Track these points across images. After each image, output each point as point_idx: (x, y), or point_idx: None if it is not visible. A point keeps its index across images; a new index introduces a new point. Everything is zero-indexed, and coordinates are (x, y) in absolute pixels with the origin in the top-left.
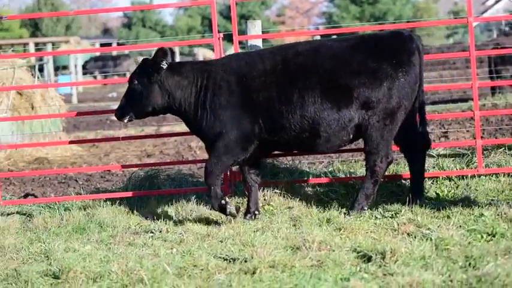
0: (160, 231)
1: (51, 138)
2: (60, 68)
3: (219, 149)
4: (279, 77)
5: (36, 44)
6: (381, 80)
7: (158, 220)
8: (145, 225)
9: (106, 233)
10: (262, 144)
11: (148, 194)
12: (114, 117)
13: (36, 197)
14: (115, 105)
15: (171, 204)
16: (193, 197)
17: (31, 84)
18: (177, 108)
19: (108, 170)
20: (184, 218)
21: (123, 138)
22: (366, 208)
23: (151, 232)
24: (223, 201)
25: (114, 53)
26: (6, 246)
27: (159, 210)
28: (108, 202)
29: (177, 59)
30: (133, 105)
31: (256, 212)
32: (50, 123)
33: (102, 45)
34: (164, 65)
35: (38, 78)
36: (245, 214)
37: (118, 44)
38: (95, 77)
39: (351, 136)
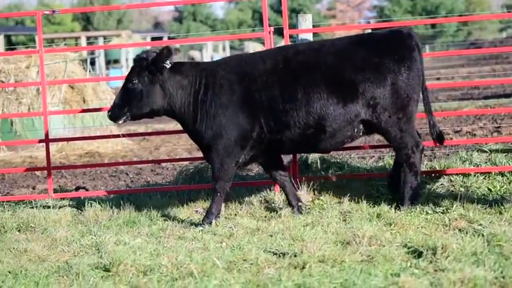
0: (210, 225)
1: (102, 131)
2: (111, 62)
3: (220, 152)
4: (281, 75)
5: (88, 38)
6: (384, 75)
7: None
8: (196, 219)
9: (156, 226)
10: (265, 144)
11: (198, 187)
12: None
13: (87, 190)
14: None
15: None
16: (243, 190)
17: (83, 77)
18: (176, 109)
19: (159, 164)
20: (234, 212)
21: (123, 135)
22: (415, 202)
23: (201, 226)
24: (218, 215)
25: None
26: (57, 238)
27: (209, 204)
28: (158, 195)
29: (228, 53)
30: (131, 106)
31: (300, 204)
32: (101, 117)
33: (153, 39)
34: (168, 65)
35: (89, 71)
36: (291, 210)
37: (169, 38)
38: None
39: (355, 132)
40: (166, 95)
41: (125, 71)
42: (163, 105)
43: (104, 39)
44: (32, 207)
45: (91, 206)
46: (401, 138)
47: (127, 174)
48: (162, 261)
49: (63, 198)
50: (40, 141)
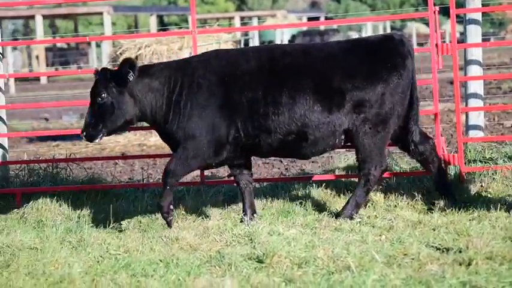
0: (369, 217)
1: None
2: (265, 43)
3: (187, 151)
4: (266, 78)
5: (242, 18)
6: (375, 84)
7: (366, 205)
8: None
9: (311, 216)
10: (240, 148)
11: (355, 177)
12: None
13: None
14: None
15: (381, 189)
16: (403, 181)
17: None
18: (148, 112)
19: None
20: (394, 204)
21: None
22: (354, 216)
23: (359, 217)
24: (171, 207)
25: (322, 27)
26: (209, 227)
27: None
28: (314, 185)
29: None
30: (105, 121)
31: (254, 215)
32: None
33: (309, 19)
34: (131, 77)
35: None
36: (243, 217)
37: (326, 18)
38: None
39: (337, 141)
40: (137, 101)
41: None
42: (136, 113)
43: (258, 19)
44: (184, 194)
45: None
46: (371, 152)
47: (281, 161)
48: (317, 254)
49: (216, 185)
50: None
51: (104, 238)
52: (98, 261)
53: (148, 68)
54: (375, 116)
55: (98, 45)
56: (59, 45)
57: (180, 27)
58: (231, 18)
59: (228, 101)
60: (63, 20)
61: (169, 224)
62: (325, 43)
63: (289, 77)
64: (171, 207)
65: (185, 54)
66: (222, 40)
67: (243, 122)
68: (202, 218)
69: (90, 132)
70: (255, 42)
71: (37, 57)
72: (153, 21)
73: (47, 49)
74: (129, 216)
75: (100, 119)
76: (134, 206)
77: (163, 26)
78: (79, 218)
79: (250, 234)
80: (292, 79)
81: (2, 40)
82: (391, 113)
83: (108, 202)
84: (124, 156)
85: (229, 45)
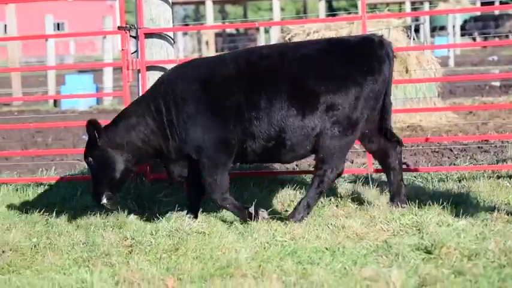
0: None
1: (426, 104)
2: (437, 29)
3: (206, 165)
4: (245, 82)
5: (413, 3)
6: (349, 87)
7: None
8: None
9: (482, 207)
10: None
11: None
12: (494, 83)
13: (408, 166)
14: (495, 70)
15: None
16: None
17: (406, 45)
18: (143, 147)
19: (486, 140)
20: None
21: (446, 109)
22: (305, 218)
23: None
24: (249, 210)
25: (497, 12)
26: (376, 216)
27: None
28: (485, 174)
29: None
30: (103, 182)
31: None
32: (424, 88)
33: (483, 4)
34: (99, 140)
35: (413, 39)
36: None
37: (500, 3)
38: (474, 39)
39: (312, 146)
40: (123, 149)
41: (451, 40)
42: (128, 159)
43: (430, 4)
44: (350, 182)
45: (411, 183)
46: (332, 154)
47: (451, 150)
48: (488, 246)
49: (382, 174)
50: None
51: (270, 224)
52: (264, 248)
53: (119, 115)
54: (346, 120)
55: (267, 31)
56: (228, 30)
57: (349, 13)
58: (401, 3)
59: (217, 106)
60: (232, 6)
61: (266, 218)
62: (302, 43)
63: (267, 80)
64: (249, 210)
65: None
66: (392, 26)
67: (233, 125)
68: (368, 206)
69: (95, 197)
70: (425, 27)
71: (207, 42)
72: (322, 6)
73: (217, 34)
74: (295, 203)
75: (99, 183)
76: (301, 193)
77: (332, 11)
78: (245, 203)
79: (418, 225)
80: (269, 82)
81: (173, 25)
82: (362, 118)
83: (274, 188)
84: None
85: (399, 31)
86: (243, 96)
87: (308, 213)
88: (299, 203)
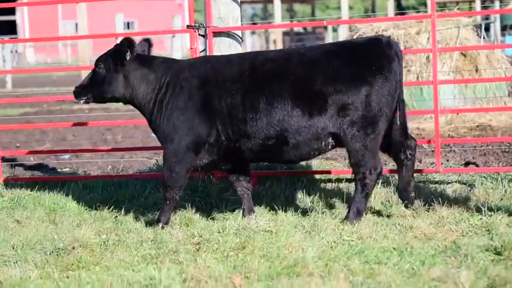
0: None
1: (495, 103)
2: (507, 28)
3: (169, 157)
4: (245, 83)
5: (483, 2)
6: (358, 87)
7: None
8: None
9: None
10: (223, 151)
11: None
12: None
13: (477, 166)
14: None
15: None
16: None
17: (476, 44)
18: (137, 102)
19: None
20: None
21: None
22: (359, 220)
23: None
24: (168, 223)
25: None
26: (445, 216)
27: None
28: None
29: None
30: (93, 88)
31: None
32: (494, 87)
33: None
34: (127, 56)
35: (483, 38)
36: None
37: None
38: None
39: (323, 145)
40: (129, 86)
41: None
42: (125, 95)
43: (501, 2)
44: (419, 182)
45: (481, 184)
46: (363, 155)
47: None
48: None
49: (452, 174)
50: (429, 111)
51: (337, 224)
52: (332, 247)
53: (150, 60)
54: (362, 119)
55: (335, 30)
56: (296, 29)
57: (418, 11)
58: (471, 2)
59: (209, 105)
60: (300, 4)
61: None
62: (309, 47)
63: (268, 82)
64: (168, 223)
65: (423, 39)
66: (462, 24)
67: (223, 125)
68: (437, 206)
69: (78, 91)
70: (496, 26)
71: (274, 41)
72: (390, 4)
73: (284, 33)
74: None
75: (90, 85)
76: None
77: (400, 9)
78: (312, 203)
79: (487, 225)
80: (271, 84)
81: (241, 24)
82: (381, 115)
83: (340, 188)
84: None
85: (468, 30)
86: (241, 97)
87: (360, 219)
88: (348, 211)
